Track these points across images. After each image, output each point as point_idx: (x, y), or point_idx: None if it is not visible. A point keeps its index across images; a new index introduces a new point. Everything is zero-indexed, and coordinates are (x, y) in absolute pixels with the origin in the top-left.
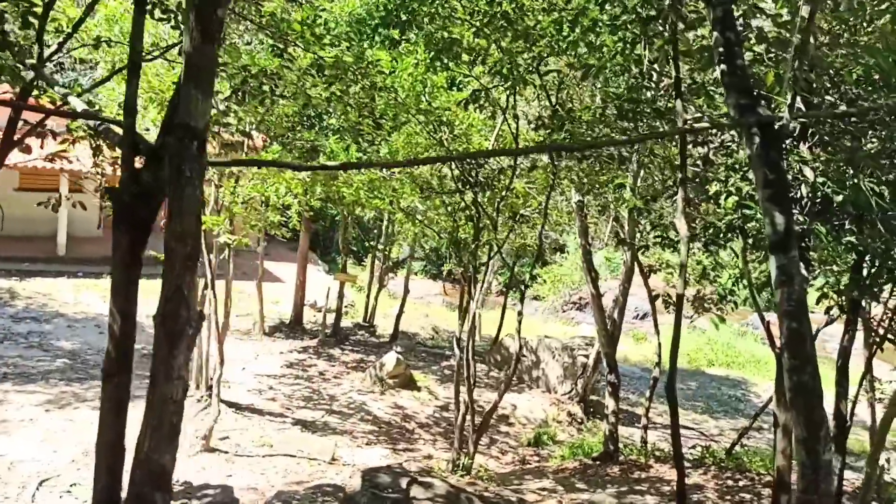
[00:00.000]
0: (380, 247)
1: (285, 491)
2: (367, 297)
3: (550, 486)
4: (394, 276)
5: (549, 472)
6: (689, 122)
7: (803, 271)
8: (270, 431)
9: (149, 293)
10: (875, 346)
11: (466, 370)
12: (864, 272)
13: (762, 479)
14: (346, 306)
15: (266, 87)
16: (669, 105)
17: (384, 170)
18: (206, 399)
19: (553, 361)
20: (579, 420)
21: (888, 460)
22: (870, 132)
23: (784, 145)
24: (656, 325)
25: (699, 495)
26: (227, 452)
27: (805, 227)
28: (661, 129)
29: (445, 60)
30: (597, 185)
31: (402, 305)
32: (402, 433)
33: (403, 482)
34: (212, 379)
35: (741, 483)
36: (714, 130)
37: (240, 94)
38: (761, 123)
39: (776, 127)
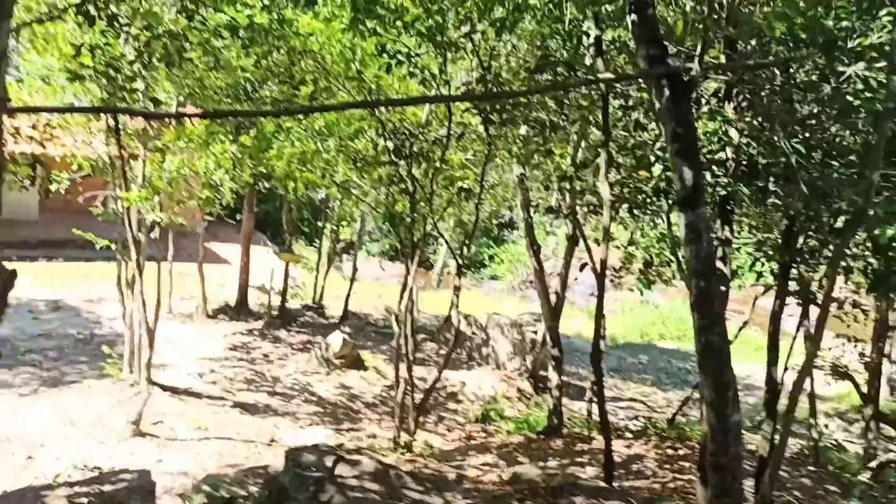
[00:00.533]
0: (330, 226)
1: (216, 474)
2: (317, 278)
3: (493, 461)
4: (349, 257)
5: (493, 448)
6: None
7: (728, 233)
8: (208, 415)
9: (85, 276)
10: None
11: (405, 347)
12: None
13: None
14: (295, 287)
15: (173, 49)
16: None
17: (318, 143)
18: (140, 383)
19: (502, 338)
20: (528, 396)
21: (826, 426)
22: (798, 95)
23: (708, 104)
24: (600, 299)
25: (639, 465)
26: (158, 437)
27: (729, 189)
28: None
29: (369, 23)
30: (535, 156)
31: (351, 286)
32: (347, 413)
33: (329, 461)
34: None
35: (681, 452)
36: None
37: (146, 56)
38: (670, 75)
39: (685, 79)
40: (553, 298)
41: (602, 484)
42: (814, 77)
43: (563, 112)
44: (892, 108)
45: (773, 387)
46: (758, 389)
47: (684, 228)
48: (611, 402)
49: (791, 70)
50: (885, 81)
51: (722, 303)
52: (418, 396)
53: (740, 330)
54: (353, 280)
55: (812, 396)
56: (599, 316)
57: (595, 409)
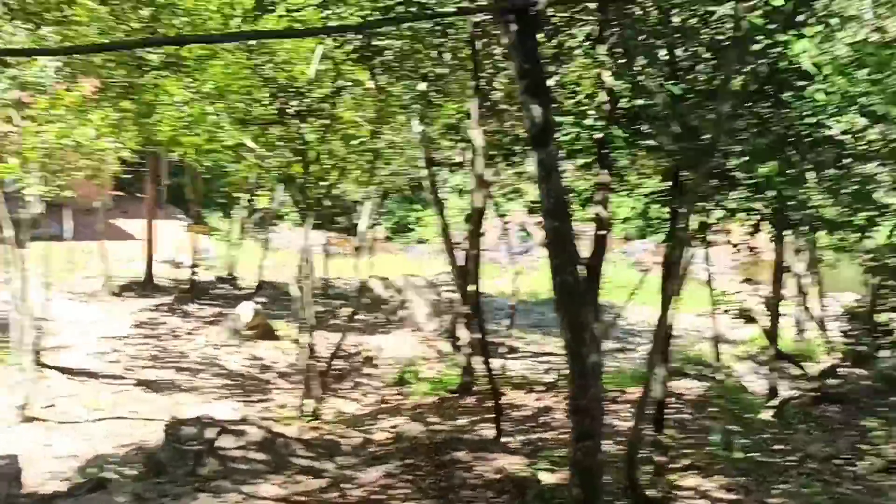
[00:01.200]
0: (245, 196)
1: (105, 454)
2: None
3: (404, 423)
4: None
5: (405, 410)
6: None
7: (606, 177)
8: (106, 395)
9: None
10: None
11: (307, 312)
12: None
13: (613, 398)
14: (207, 260)
15: None
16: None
17: (203, 106)
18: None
19: (419, 299)
20: (447, 356)
21: (730, 367)
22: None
23: (581, 47)
24: (512, 256)
25: (546, 417)
26: (48, 421)
27: (603, 132)
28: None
29: None
30: (433, 112)
31: (264, 256)
32: (257, 385)
33: (212, 432)
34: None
35: None
36: None
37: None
38: (516, 9)
39: (532, 14)
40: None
41: (488, 437)
42: (693, 21)
43: (444, 62)
44: (739, 37)
45: (665, 331)
46: (674, 337)
47: (536, 167)
48: (531, 357)
49: (668, 12)
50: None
51: (601, 246)
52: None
53: (642, 280)
54: (266, 250)
55: (716, 339)
56: (476, 266)
57: (517, 364)
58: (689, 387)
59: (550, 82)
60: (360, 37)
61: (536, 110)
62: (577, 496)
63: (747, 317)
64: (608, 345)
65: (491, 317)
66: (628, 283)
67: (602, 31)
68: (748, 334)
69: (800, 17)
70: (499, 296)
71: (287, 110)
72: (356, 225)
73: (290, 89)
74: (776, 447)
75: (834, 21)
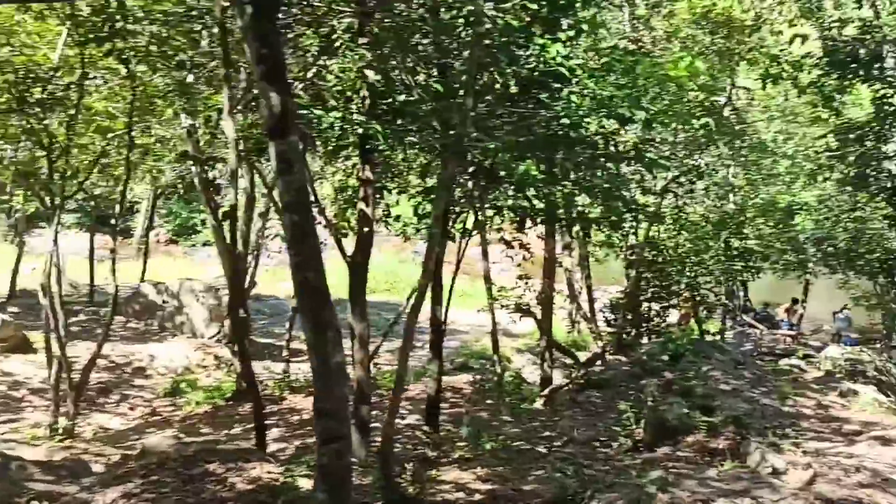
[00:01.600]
0: None
1: None
2: None
3: (173, 436)
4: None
5: (175, 422)
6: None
7: (369, 174)
8: None
9: None
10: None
11: (54, 321)
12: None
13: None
14: None
15: None
16: None
17: None
18: None
19: (197, 304)
20: (226, 363)
21: (509, 360)
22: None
23: (343, 43)
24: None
25: None
26: None
27: (363, 127)
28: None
29: None
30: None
31: (18, 261)
32: (7, 403)
33: None
34: None
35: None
36: None
37: None
38: None
39: None
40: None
41: (249, 446)
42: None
43: (201, 49)
44: (477, 35)
45: (437, 327)
46: (461, 333)
47: (275, 159)
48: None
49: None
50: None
51: (366, 243)
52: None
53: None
54: (20, 255)
55: (494, 333)
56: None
57: (293, 368)
58: (470, 380)
59: (312, 74)
60: (104, 17)
61: (275, 98)
62: (324, 501)
63: (524, 311)
64: (395, 343)
65: (277, 320)
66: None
67: (363, 24)
68: (528, 328)
69: (555, 22)
70: (285, 298)
71: (28, 99)
72: (133, 227)
73: (32, 76)
74: (545, 434)
75: (585, 27)
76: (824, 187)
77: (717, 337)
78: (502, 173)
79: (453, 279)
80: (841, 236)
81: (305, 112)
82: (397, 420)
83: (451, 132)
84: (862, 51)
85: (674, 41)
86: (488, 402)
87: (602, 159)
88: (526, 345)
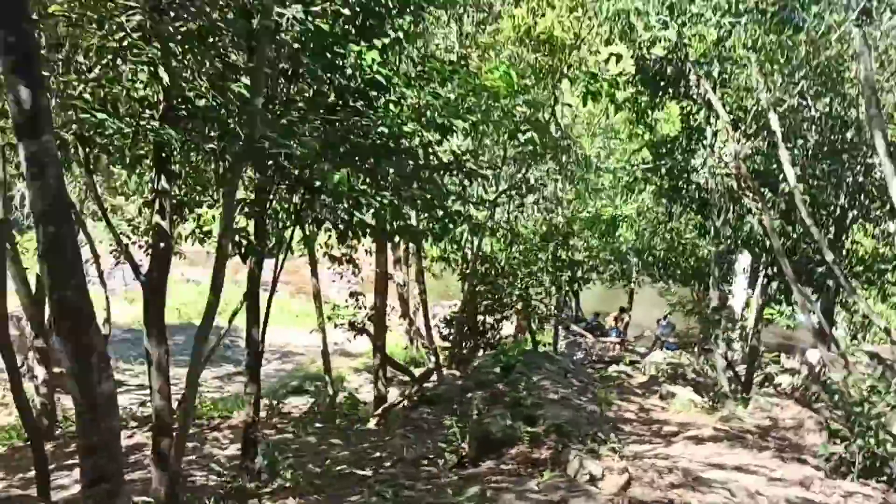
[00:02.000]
0: None
1: None
2: None
3: None
4: None
5: None
6: None
7: (165, 184)
8: None
9: None
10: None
11: None
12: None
13: (212, 424)
14: None
15: None
16: None
17: None
18: None
19: None
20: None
21: (344, 381)
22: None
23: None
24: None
25: (138, 455)
26: None
27: (157, 133)
28: None
29: None
30: None
31: None
32: None
33: None
34: None
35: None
36: None
37: None
38: None
39: None
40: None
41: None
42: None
43: None
44: (265, 29)
45: (254, 349)
46: (297, 355)
47: (25, 161)
48: (136, 390)
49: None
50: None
51: (163, 260)
52: None
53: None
54: None
55: (326, 353)
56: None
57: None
58: (303, 403)
59: (95, 75)
60: None
61: (25, 93)
62: None
63: (358, 329)
64: (221, 369)
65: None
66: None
67: (154, 22)
68: (367, 346)
69: (372, 30)
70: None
71: None
72: None
73: None
74: (375, 455)
75: (402, 35)
76: (642, 200)
77: (550, 347)
78: (318, 184)
79: (270, 297)
80: (659, 246)
81: (86, 116)
82: (216, 451)
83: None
84: (669, 69)
85: (500, 58)
86: (317, 425)
87: (425, 171)
88: (364, 364)
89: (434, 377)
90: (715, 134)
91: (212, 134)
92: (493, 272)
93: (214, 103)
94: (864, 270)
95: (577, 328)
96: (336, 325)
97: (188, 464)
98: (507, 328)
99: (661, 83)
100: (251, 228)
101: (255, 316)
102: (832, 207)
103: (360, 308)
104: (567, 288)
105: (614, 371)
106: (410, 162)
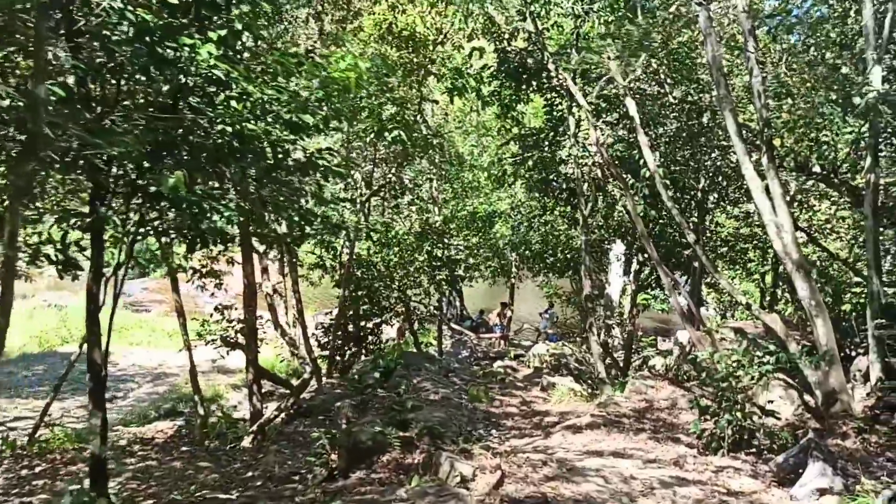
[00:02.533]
0: None
1: None
2: None
3: None
4: None
5: None
6: None
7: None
8: None
9: None
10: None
11: None
12: None
13: (66, 458)
14: None
15: None
16: None
17: None
18: None
19: None
20: None
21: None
22: None
23: None
24: None
25: None
26: None
27: None
28: None
29: None
30: None
31: None
32: None
33: None
34: None
35: (38, 469)
36: None
37: None
38: None
39: None
40: None
41: None
42: None
43: None
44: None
45: (95, 372)
46: (172, 376)
47: None
48: None
49: None
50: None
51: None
52: None
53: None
54: None
55: (193, 372)
56: None
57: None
58: (168, 427)
59: None
60: None
61: None
62: None
63: (230, 343)
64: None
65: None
66: (125, 325)
67: None
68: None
69: (205, 22)
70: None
71: None
72: None
73: None
74: (247, 474)
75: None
76: (515, 194)
77: (435, 347)
78: (153, 190)
79: (112, 315)
80: (535, 239)
81: None
82: (63, 485)
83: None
84: (530, 60)
85: (351, 51)
86: (184, 449)
87: (278, 171)
88: (242, 380)
89: (314, 387)
90: (577, 123)
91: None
92: (369, 276)
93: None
94: (728, 251)
95: (456, 327)
96: (207, 343)
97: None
98: (391, 331)
99: (524, 75)
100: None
101: (96, 337)
102: (693, 192)
103: (228, 322)
104: (446, 287)
105: (500, 366)
106: (263, 163)
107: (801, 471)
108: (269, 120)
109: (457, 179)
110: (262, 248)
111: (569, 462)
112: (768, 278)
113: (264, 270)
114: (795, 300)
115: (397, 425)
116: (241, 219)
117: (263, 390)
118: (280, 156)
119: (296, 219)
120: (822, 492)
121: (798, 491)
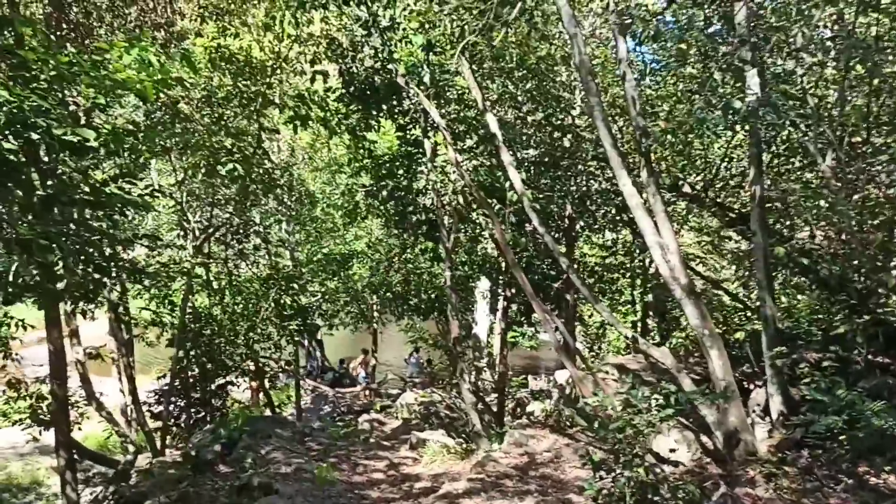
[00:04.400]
0: None
1: None
2: None
3: None
4: None
5: None
6: None
7: None
8: None
9: None
10: None
11: None
12: None
13: None
14: None
15: None
16: None
17: None
18: None
19: None
20: None
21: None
22: None
23: None
24: None
25: None
26: None
27: None
28: None
29: None
30: None
31: None
32: None
33: None
34: None
35: None
36: None
37: None
38: None
39: None
40: None
41: None
42: None
43: None
44: None
45: None
46: None
47: None
48: None
49: None
50: None
51: None
52: None
53: None
54: None
55: None
56: None
57: None
58: None
59: None
60: None
61: None
62: None
63: (44, 422)
64: None
65: None
66: None
67: None
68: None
69: None
70: None
71: None
72: None
73: None
74: None
75: None
76: (371, 231)
77: (293, 404)
78: None
79: None
80: (395, 279)
81: None
82: None
83: None
84: (377, 79)
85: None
86: None
87: (56, 203)
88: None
89: (149, 464)
90: (434, 148)
91: None
92: (209, 331)
93: None
94: (595, 282)
95: (312, 382)
96: (14, 423)
97: None
98: (239, 392)
99: (372, 98)
100: None
101: None
102: (560, 219)
103: (30, 397)
104: (302, 338)
105: (365, 420)
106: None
107: None
108: (35, 137)
109: (309, 221)
110: (69, 307)
111: None
112: (638, 308)
113: (73, 334)
114: (663, 331)
115: None
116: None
117: (93, 471)
118: (54, 184)
119: (80, 265)
120: None
121: None
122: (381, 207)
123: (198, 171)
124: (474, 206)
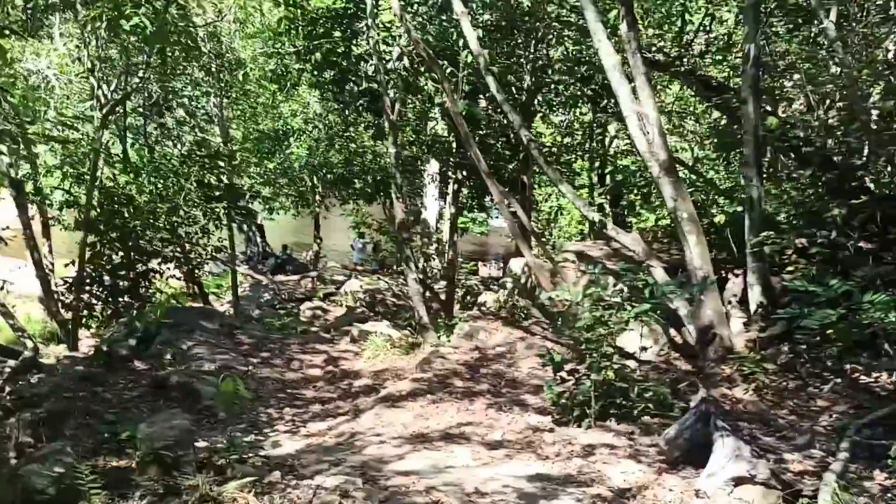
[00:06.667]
0: None
1: None
2: None
3: None
4: None
5: None
6: None
7: None
8: None
9: None
10: None
11: None
12: None
13: None
14: None
15: None
16: None
17: None
18: None
19: None
20: None
21: None
22: None
23: None
24: None
25: None
26: None
27: None
28: None
29: None
30: None
31: None
32: None
33: None
34: None
35: None
36: None
37: None
38: None
39: None
40: None
41: None
42: None
43: None
44: None
45: None
46: None
47: None
48: None
49: None
50: None
51: None
52: None
53: None
54: None
55: None
56: None
57: None
58: None
59: None
60: None
61: None
62: None
63: None
64: None
65: None
66: None
67: None
68: None
69: None
70: None
71: None
72: None
73: None
74: None
75: None
76: (308, 104)
77: (229, 292)
78: None
79: None
80: (336, 160)
81: None
82: None
83: None
84: None
85: None
86: None
87: None
88: None
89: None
90: (376, 3)
91: None
92: (123, 212)
93: None
94: (553, 162)
95: (245, 270)
96: None
97: None
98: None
99: None
100: None
101: None
102: (518, 92)
103: None
104: (234, 222)
105: (308, 308)
106: None
107: (700, 450)
108: None
109: (243, 95)
110: None
111: (383, 470)
112: (597, 192)
113: None
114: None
115: (111, 450)
116: None
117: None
118: None
119: None
120: (740, 481)
121: (706, 483)
122: (316, 74)
123: (98, 25)
124: (423, 71)
